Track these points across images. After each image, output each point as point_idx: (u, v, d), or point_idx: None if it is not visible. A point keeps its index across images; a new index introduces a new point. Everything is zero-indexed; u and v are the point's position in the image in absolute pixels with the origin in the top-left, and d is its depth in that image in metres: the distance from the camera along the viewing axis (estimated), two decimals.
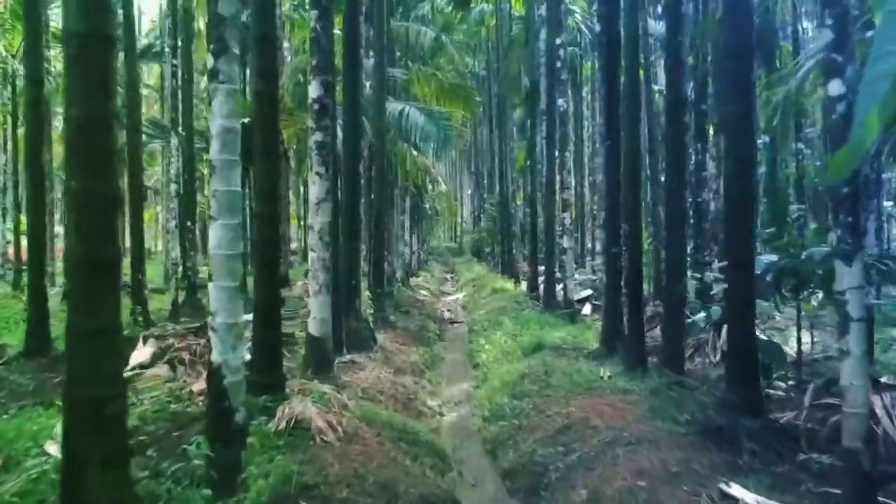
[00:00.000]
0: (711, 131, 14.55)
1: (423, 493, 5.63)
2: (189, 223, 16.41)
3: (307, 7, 13.10)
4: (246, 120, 8.30)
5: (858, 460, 4.62)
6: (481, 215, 40.16)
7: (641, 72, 12.51)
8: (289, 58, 21.99)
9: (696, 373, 9.01)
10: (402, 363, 11.19)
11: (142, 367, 9.15)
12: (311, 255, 8.50)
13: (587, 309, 15.74)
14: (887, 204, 19.07)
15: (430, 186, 28.51)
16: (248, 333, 6.16)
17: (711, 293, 10.51)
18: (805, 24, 19.93)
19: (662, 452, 5.87)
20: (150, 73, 29.54)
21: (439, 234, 58.21)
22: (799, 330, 8.79)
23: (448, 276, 36.49)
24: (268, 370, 6.47)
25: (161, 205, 27.68)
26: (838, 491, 5.02)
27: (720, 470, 5.55)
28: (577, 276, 18.38)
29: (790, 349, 9.19)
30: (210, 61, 4.78)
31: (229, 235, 4.80)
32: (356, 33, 11.62)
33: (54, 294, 13.84)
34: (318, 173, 8.35)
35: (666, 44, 8.96)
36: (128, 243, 14.35)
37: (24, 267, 14.18)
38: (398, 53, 20.35)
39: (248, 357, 5.87)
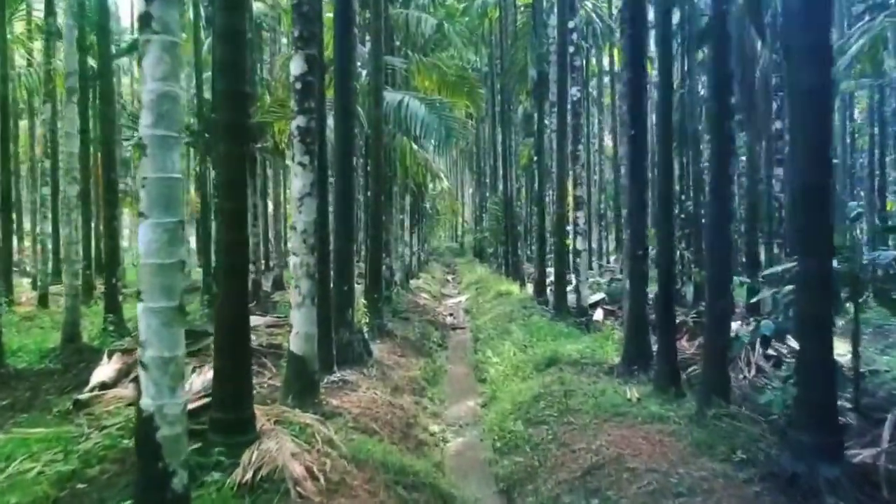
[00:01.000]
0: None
1: None
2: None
3: None
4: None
5: None
6: (483, 215, 39.03)
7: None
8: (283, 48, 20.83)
9: (732, 392, 7.85)
10: (401, 379, 10.01)
11: (104, 385, 8.10)
12: (292, 259, 7.22)
13: (598, 314, 14.71)
14: None
15: (430, 184, 27.35)
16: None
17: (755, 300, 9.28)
18: None
19: None
20: None
21: (440, 234, 57.18)
22: (856, 346, 7.60)
23: (449, 278, 35.55)
24: (233, 405, 5.20)
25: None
26: None
27: None
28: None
29: (845, 367, 8.01)
30: (140, 3, 3.52)
31: (164, 238, 3.52)
32: (349, 8, 10.41)
33: None
34: (300, 163, 7.05)
35: (712, 12, 7.69)
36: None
37: None
38: (397, 42, 19.15)
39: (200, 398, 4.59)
